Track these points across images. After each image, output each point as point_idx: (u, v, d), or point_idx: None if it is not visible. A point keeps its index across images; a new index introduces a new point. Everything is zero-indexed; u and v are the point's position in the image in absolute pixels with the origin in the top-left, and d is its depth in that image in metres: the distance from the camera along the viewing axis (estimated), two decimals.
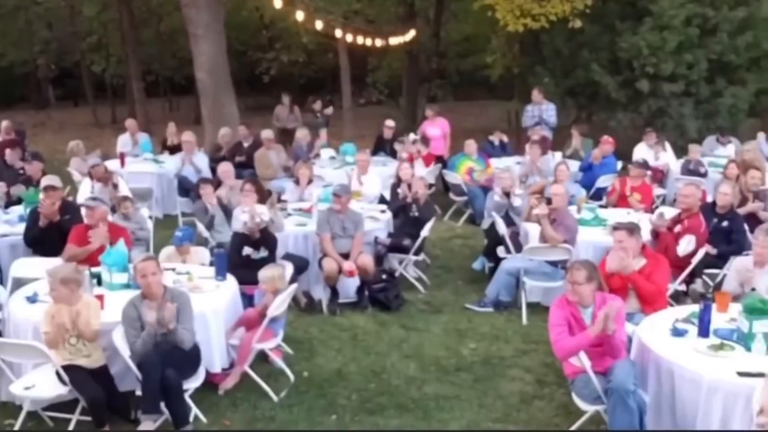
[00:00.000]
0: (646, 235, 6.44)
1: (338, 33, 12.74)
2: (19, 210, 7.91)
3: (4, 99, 27.07)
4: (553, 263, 6.88)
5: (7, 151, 10.38)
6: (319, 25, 11.21)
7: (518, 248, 7.37)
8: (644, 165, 9.18)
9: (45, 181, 7.55)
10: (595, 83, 14.09)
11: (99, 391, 4.49)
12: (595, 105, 14.96)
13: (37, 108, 28.03)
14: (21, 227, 7.28)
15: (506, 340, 6.39)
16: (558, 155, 11.21)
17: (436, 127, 12.11)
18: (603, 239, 7.03)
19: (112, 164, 10.71)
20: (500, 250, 7.67)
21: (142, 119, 19.35)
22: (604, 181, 9.87)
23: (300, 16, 10.07)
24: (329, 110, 13.56)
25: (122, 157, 11.16)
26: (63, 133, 20.03)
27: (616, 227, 5.79)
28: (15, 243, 7.12)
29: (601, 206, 8.76)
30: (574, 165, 10.57)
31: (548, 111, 12.37)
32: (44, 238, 6.83)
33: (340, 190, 7.19)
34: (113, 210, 7.71)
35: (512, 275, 7.00)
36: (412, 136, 11.81)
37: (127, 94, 22.75)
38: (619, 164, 10.66)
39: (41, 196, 7.36)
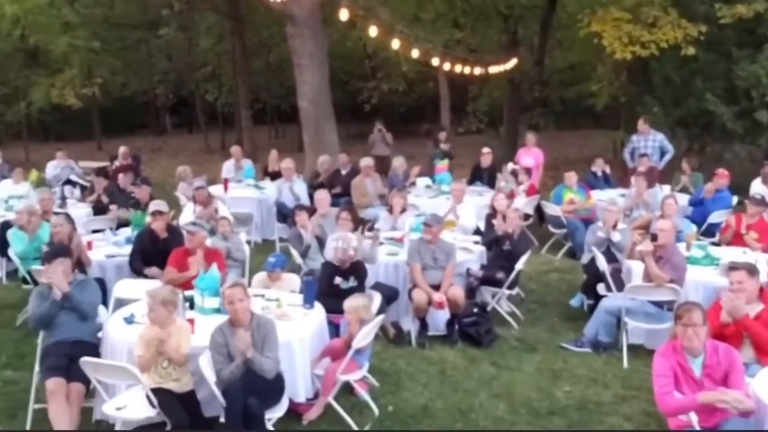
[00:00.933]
0: (764, 278, 5.92)
1: (435, 61, 12.72)
2: (126, 232, 8.28)
3: (126, 126, 28.90)
4: (658, 304, 6.46)
5: (120, 175, 10.97)
6: (415, 53, 11.23)
7: (620, 286, 6.98)
8: (762, 201, 8.53)
9: (152, 206, 7.86)
10: (708, 113, 13.41)
11: (184, 417, 4.53)
12: (708, 136, 14.19)
13: (155, 134, 29.70)
14: (127, 249, 7.60)
15: (605, 384, 6.01)
16: (666, 188, 10.65)
17: (530, 157, 11.84)
18: (715, 280, 6.57)
19: (216, 189, 11.09)
20: (600, 288, 7.30)
21: (248, 146, 20.11)
22: (717, 217, 9.28)
23: (396, 44, 10.12)
24: (447, 146, 13.32)
25: (226, 182, 11.54)
26: (177, 158, 21.03)
27: (733, 267, 5.36)
28: (121, 264, 7.43)
29: (713, 244, 8.20)
30: (684, 199, 10.01)
31: (657, 140, 11.81)
32: (149, 260, 7.11)
33: (430, 220, 7.08)
34: (212, 233, 7.93)
35: (613, 315, 6.62)
36: (510, 165, 11.57)
37: (236, 121, 23.70)
38: (735, 199, 9.99)
39: (148, 219, 7.69)
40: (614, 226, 8.08)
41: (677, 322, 4.31)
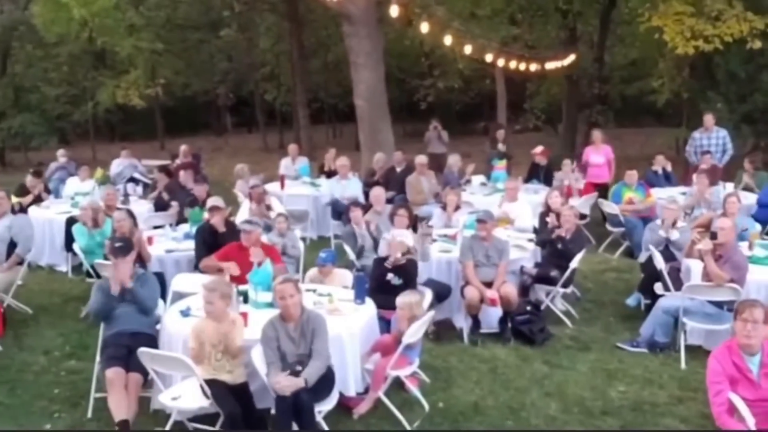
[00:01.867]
0: None
1: (489, 58, 12.60)
2: (185, 228, 8.50)
3: (188, 125, 29.64)
4: (718, 304, 6.27)
5: (181, 173, 11.25)
6: (468, 49, 11.15)
7: (678, 285, 6.80)
8: None
9: (210, 202, 8.06)
10: None
11: (236, 407, 4.63)
12: None
13: (216, 134, 30.35)
14: (186, 244, 7.82)
15: (660, 385, 5.88)
16: (729, 186, 10.32)
17: (600, 155, 11.61)
18: None
19: (273, 186, 11.27)
20: (658, 287, 7.13)
21: (306, 145, 20.36)
22: None
23: (448, 40, 10.07)
24: (504, 146, 13.08)
25: (282, 179, 11.71)
26: (236, 157, 21.43)
27: None
28: (179, 259, 7.64)
29: None
30: (748, 197, 9.67)
31: (720, 137, 11.43)
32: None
33: (484, 216, 7.04)
34: (268, 228, 8.06)
35: (670, 314, 6.46)
36: (567, 162, 11.40)
37: (294, 121, 24.02)
38: None
39: (206, 215, 7.88)
40: (674, 225, 7.90)
41: (737, 318, 4.19)
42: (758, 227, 8.40)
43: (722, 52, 12.89)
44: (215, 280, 5.25)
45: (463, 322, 7.01)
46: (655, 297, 7.08)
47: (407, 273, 6.53)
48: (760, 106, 13.33)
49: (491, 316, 7.01)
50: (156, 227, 9.05)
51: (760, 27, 12.17)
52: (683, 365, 6.20)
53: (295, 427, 4.60)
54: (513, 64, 12.36)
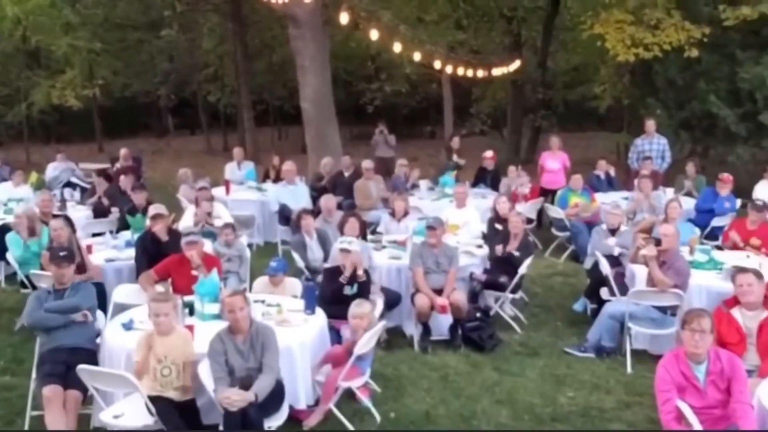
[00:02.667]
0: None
1: (437, 64, 12.65)
2: (126, 236, 8.21)
3: (128, 127, 28.86)
4: (662, 309, 6.39)
5: (122, 177, 10.91)
6: (417, 56, 11.16)
7: (623, 291, 6.92)
8: (764, 207, 8.34)
9: (152, 209, 7.79)
10: (712, 116, 13.34)
11: (182, 425, 4.48)
12: (711, 139, 14.10)
13: (157, 136, 29.63)
14: (128, 253, 7.55)
15: (608, 390, 5.95)
16: (670, 191, 10.59)
17: (556, 161, 11.76)
18: (718, 284, 6.50)
19: (218, 191, 11.03)
20: (604, 292, 7.25)
21: (251, 147, 20.06)
22: (720, 221, 9.19)
23: (398, 47, 10.05)
24: (461, 161, 12.91)
25: (227, 184, 11.48)
26: (179, 160, 21.01)
27: (742, 269, 5.35)
28: (120, 268, 7.36)
29: (717, 248, 8.12)
30: (688, 202, 9.94)
31: (661, 144, 11.72)
32: (151, 265, 7.03)
33: (434, 223, 7.02)
34: (211, 236, 7.86)
35: (616, 319, 6.56)
36: (512, 168, 11.54)
37: (239, 123, 23.65)
38: (738, 202, 9.92)
39: (148, 222, 7.63)
40: (617, 229, 8.04)
41: (684, 328, 4.23)
42: (697, 231, 8.63)
43: (661, 59, 13.24)
44: (167, 292, 5.08)
45: (413, 330, 6.97)
46: (601, 302, 7.20)
47: (364, 284, 6.46)
48: (697, 113, 13.73)
49: (441, 324, 7.00)
50: (95, 234, 8.74)
51: (697, 36, 12.54)
52: (629, 370, 6.30)
53: None
54: (461, 70, 12.40)
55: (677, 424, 4.05)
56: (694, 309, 4.54)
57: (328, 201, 8.80)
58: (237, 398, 4.37)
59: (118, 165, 13.71)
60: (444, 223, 7.32)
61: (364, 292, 6.38)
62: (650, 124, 11.85)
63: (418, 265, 6.87)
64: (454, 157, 12.65)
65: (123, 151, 14.14)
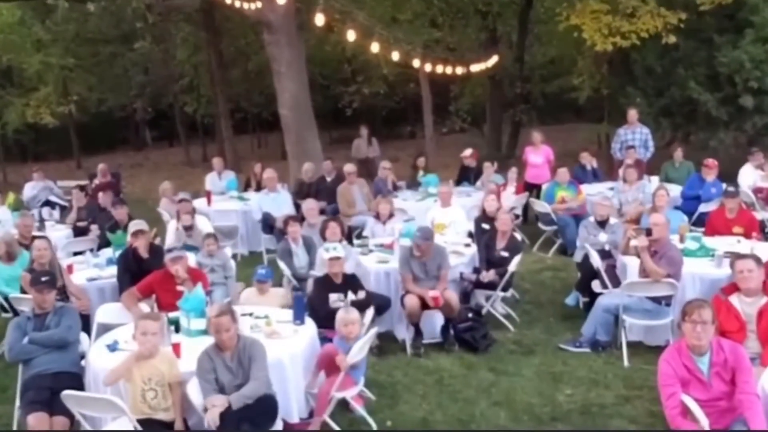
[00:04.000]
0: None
1: (416, 63, 12.55)
2: (108, 253, 8.02)
3: (105, 142, 28.54)
4: (656, 300, 6.31)
5: (100, 194, 10.70)
6: (395, 55, 11.05)
7: (615, 282, 6.84)
8: (735, 192, 8.19)
9: (132, 225, 7.60)
10: (692, 101, 13.32)
11: None
12: (693, 125, 14.09)
13: (135, 149, 29.35)
14: (110, 271, 7.35)
15: (606, 386, 5.86)
16: (655, 180, 10.55)
17: (539, 155, 11.69)
18: (711, 271, 6.44)
19: (200, 203, 10.86)
20: (595, 285, 7.17)
21: (231, 156, 19.88)
22: (707, 207, 9.16)
23: (375, 47, 9.93)
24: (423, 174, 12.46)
25: (209, 195, 11.30)
26: (158, 172, 20.78)
27: (741, 256, 5.29)
28: (103, 287, 7.16)
29: (706, 234, 8.07)
30: (675, 189, 9.90)
31: (643, 134, 11.69)
32: (134, 282, 6.85)
33: (419, 240, 6.71)
34: (190, 248, 7.70)
35: (610, 312, 6.46)
36: (487, 164, 11.47)
37: (217, 132, 23.42)
38: (724, 186, 9.88)
39: (129, 239, 7.44)
40: (606, 221, 7.97)
41: (685, 320, 4.13)
42: (686, 219, 8.57)
43: (639, 47, 13.21)
44: (158, 313, 4.94)
45: (405, 333, 6.84)
46: (592, 295, 7.13)
47: (352, 288, 6.33)
48: (677, 99, 13.70)
49: (433, 325, 6.88)
50: (76, 254, 8.53)
51: (673, 22, 12.51)
52: (626, 363, 6.22)
53: None
54: (439, 68, 12.30)
55: (683, 419, 3.95)
56: (694, 300, 4.44)
57: (310, 206, 8.67)
58: (218, 403, 4.30)
59: (96, 181, 13.49)
60: (431, 235, 6.96)
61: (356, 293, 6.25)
62: (632, 114, 11.82)
63: (407, 272, 6.72)
64: (420, 174, 12.26)
65: (101, 167, 13.95)
